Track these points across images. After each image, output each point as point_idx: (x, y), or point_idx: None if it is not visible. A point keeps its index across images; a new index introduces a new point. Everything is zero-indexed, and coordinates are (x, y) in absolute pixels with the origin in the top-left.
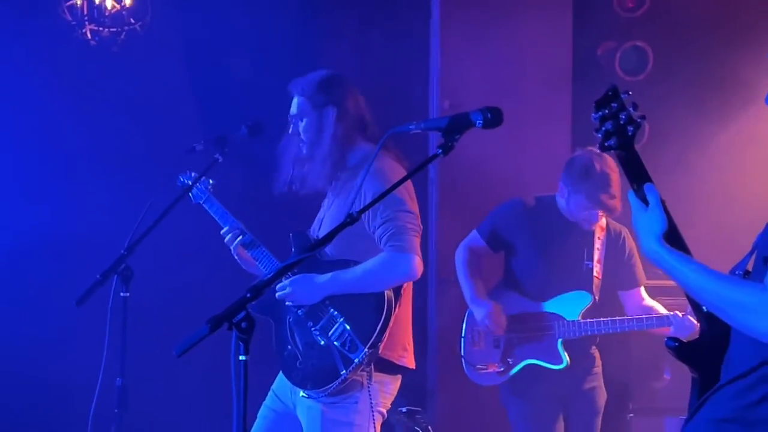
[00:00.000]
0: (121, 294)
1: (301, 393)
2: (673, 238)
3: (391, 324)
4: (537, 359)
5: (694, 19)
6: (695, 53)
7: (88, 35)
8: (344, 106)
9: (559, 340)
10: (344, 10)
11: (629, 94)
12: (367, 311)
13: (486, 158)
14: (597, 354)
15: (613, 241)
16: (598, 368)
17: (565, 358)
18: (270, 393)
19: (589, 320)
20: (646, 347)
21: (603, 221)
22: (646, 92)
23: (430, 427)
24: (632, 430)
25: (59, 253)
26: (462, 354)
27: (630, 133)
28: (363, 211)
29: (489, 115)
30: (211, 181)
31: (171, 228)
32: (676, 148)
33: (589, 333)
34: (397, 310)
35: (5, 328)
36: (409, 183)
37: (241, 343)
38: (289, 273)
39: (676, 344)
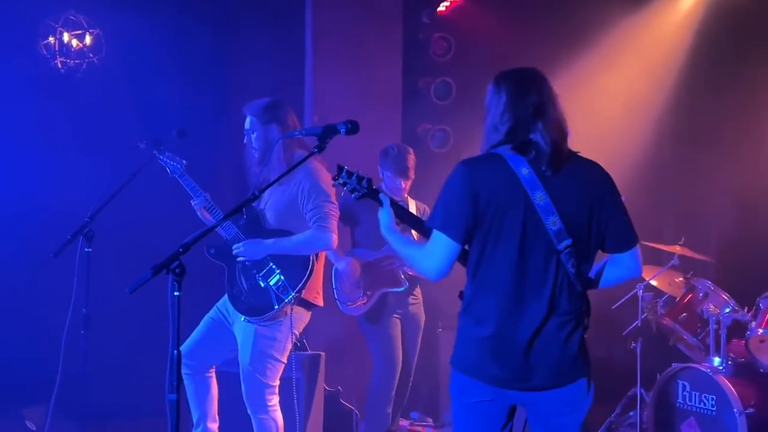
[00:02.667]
0: (86, 249)
1: (242, 318)
2: (404, 217)
3: (313, 277)
4: (387, 288)
5: (484, 61)
6: (485, 85)
7: (59, 65)
8: (285, 122)
9: (400, 270)
10: (245, 45)
11: (350, 171)
12: (297, 267)
13: (343, 158)
14: (419, 287)
15: (420, 211)
16: (420, 297)
17: (405, 282)
18: (214, 309)
19: None
20: (453, 281)
21: (411, 202)
22: (452, 112)
23: (305, 341)
24: (440, 340)
25: (44, 220)
26: (336, 297)
27: (366, 186)
28: (263, 190)
29: (350, 126)
30: (184, 162)
31: (128, 199)
32: (472, 151)
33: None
34: (316, 266)
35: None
36: (329, 176)
37: (176, 283)
38: (238, 232)
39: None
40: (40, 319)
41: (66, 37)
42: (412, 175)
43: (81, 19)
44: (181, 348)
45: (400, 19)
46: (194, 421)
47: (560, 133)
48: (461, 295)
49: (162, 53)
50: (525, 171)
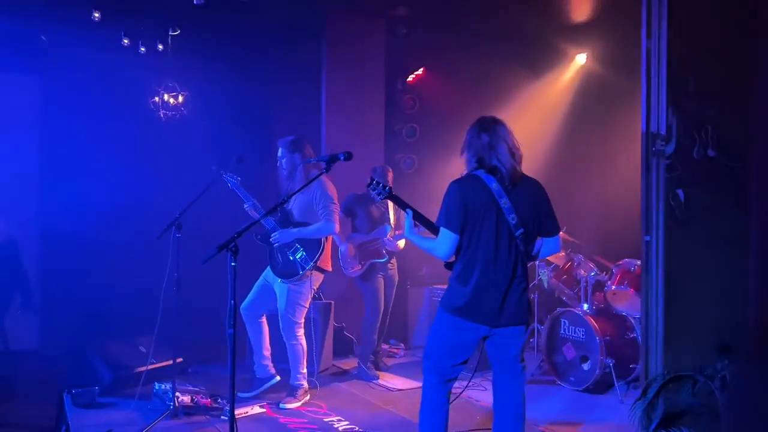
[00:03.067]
0: (177, 235)
1: (279, 280)
2: (421, 220)
3: (324, 252)
4: (374, 258)
5: (438, 113)
6: (441, 127)
7: (162, 116)
8: (304, 151)
9: (383, 248)
10: (283, 102)
11: (378, 182)
12: (313, 246)
13: (349, 173)
14: (395, 259)
15: (396, 211)
16: (395, 265)
17: (386, 255)
18: (261, 277)
19: (390, 239)
20: (415, 260)
21: (390, 205)
22: (417, 146)
23: (321, 294)
24: (408, 293)
25: (150, 215)
26: (342, 266)
27: (387, 191)
28: (290, 196)
29: (347, 155)
30: (239, 178)
31: (204, 203)
32: (434, 174)
33: (386, 247)
34: (326, 245)
35: (126, 251)
36: (334, 188)
37: (232, 257)
38: (275, 225)
39: (449, 266)
40: (149, 281)
41: (166, 96)
42: (391, 183)
43: (176, 85)
44: (242, 305)
45: (383, 85)
46: (254, 350)
47: (513, 158)
48: (448, 265)
49: (228, 107)
50: (494, 185)
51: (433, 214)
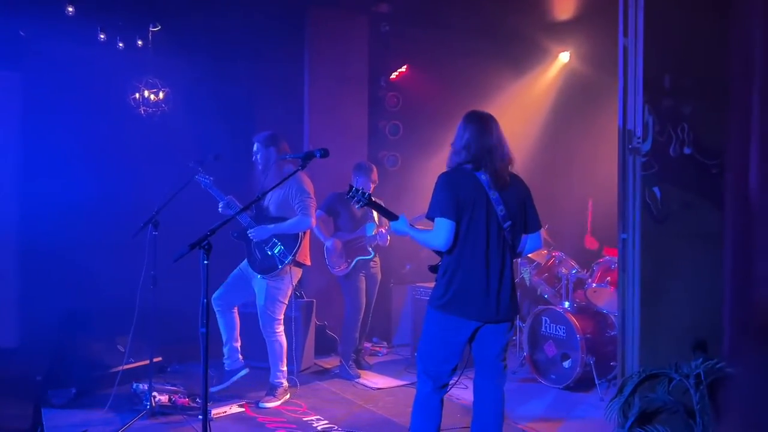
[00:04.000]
0: (154, 233)
1: (258, 276)
2: (378, 209)
3: (301, 246)
4: (360, 256)
5: (421, 110)
6: (425, 124)
7: (142, 112)
8: (280, 147)
9: (367, 245)
10: (265, 97)
11: (357, 188)
12: (291, 241)
13: (332, 170)
14: (378, 256)
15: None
16: (378, 262)
17: (372, 252)
18: (237, 269)
19: (383, 231)
20: (398, 258)
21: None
22: (400, 144)
23: (302, 292)
24: (392, 291)
25: (127, 213)
26: (327, 264)
27: (366, 197)
28: (265, 193)
29: (322, 152)
30: (211, 177)
31: (180, 200)
32: (417, 171)
33: (377, 241)
34: (304, 239)
35: (103, 248)
36: (311, 184)
37: (205, 255)
38: (251, 221)
39: (433, 268)
40: (126, 278)
41: (146, 93)
42: (376, 180)
43: (157, 81)
44: (214, 294)
45: (367, 83)
46: (224, 340)
47: (503, 153)
48: (433, 268)
49: (209, 104)
50: (484, 177)
51: (418, 211)
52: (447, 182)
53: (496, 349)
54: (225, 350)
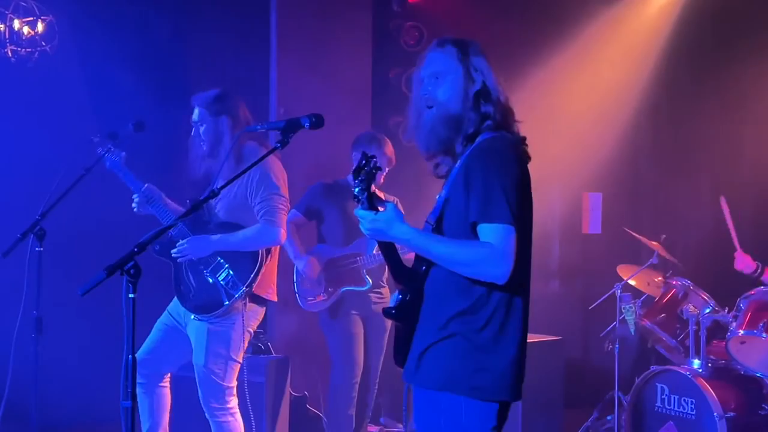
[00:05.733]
0: (37, 248)
1: (193, 317)
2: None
3: (262, 271)
4: (349, 286)
5: None
6: None
7: (9, 54)
8: (236, 114)
9: (363, 269)
10: (208, 34)
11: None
12: (246, 262)
13: (313, 153)
14: (386, 286)
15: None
16: (387, 297)
17: (369, 281)
18: (165, 313)
19: (376, 254)
20: None
21: (381, 194)
22: None
23: (269, 344)
24: None
25: None
26: (296, 291)
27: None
28: (222, 187)
29: (314, 120)
30: (123, 154)
31: (82, 196)
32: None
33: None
34: (268, 261)
35: None
36: (283, 172)
37: (130, 285)
38: (184, 229)
39: (392, 311)
40: None
41: (17, 24)
42: (393, 159)
43: (33, 5)
44: (139, 350)
45: (370, 6)
46: (145, 430)
47: None
48: (387, 312)
49: (119, 42)
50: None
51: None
52: (521, 158)
53: None
54: None
